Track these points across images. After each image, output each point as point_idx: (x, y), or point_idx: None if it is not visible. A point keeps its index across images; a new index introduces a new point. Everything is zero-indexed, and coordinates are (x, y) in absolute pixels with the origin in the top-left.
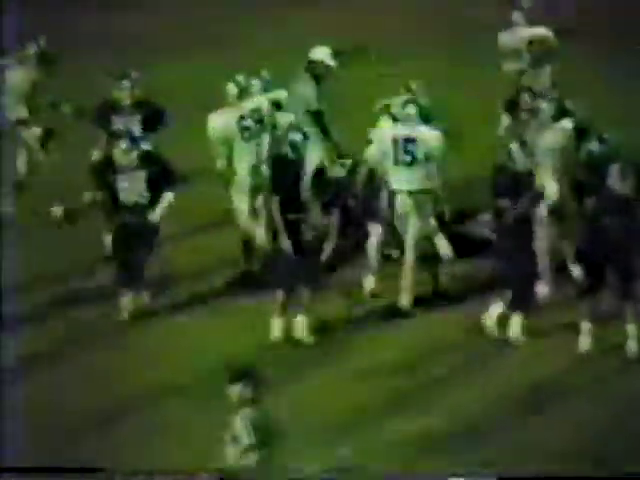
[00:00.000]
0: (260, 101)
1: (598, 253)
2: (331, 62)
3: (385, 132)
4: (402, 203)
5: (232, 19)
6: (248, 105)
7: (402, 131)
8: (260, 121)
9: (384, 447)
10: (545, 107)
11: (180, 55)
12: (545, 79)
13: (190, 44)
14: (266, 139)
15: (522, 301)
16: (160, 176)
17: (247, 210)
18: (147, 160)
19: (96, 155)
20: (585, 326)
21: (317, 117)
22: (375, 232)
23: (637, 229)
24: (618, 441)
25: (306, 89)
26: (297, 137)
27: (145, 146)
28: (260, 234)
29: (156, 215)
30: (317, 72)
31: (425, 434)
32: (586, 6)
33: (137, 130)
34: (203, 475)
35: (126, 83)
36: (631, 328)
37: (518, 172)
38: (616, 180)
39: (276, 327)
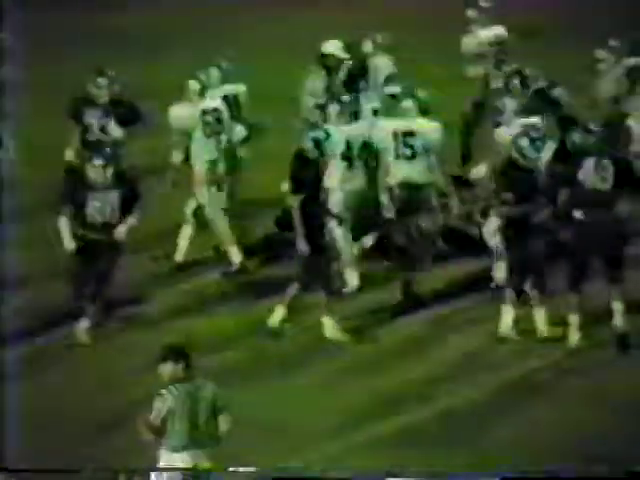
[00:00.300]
0: (219, 103)
1: (581, 246)
2: (342, 55)
3: (384, 126)
4: (403, 197)
5: (232, 19)
6: (209, 103)
7: (401, 125)
8: (219, 120)
9: (375, 445)
10: (507, 103)
11: (179, 53)
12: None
13: (189, 42)
14: (225, 139)
15: (542, 289)
16: (130, 197)
17: (208, 204)
18: (120, 179)
19: (69, 155)
20: (573, 319)
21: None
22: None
23: (617, 222)
24: (607, 436)
25: (315, 83)
26: (320, 135)
27: (117, 133)
28: (224, 228)
29: (120, 234)
30: (329, 65)
31: (419, 430)
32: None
33: (112, 126)
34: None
35: (102, 81)
36: (617, 305)
37: (525, 168)
38: (589, 174)
39: (278, 314)
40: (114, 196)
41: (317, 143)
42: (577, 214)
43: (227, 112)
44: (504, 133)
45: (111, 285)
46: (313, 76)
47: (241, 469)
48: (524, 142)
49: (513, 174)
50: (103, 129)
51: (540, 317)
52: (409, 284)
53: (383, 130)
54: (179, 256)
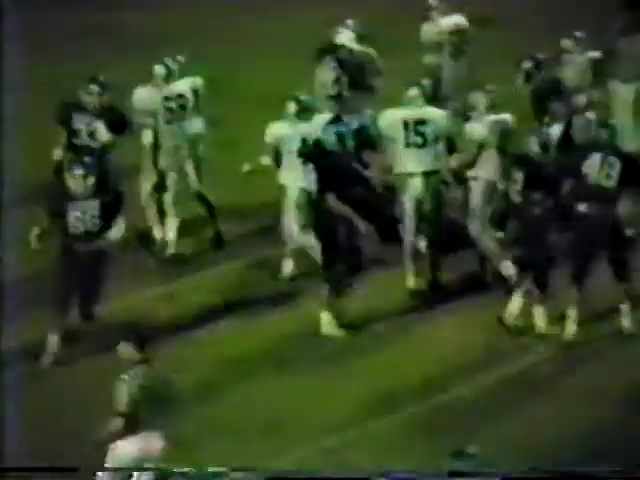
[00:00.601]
0: (184, 89)
1: (584, 240)
2: (354, 46)
3: (394, 115)
4: (415, 185)
5: (232, 18)
6: (174, 89)
7: (411, 113)
8: (184, 107)
9: (373, 442)
10: (479, 99)
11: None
12: (463, 70)
13: (189, 42)
14: (189, 126)
15: (544, 285)
16: (113, 204)
17: (146, 195)
18: (101, 188)
19: (58, 155)
20: (572, 313)
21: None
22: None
23: (619, 219)
24: (602, 434)
25: (326, 75)
26: (342, 129)
27: (106, 138)
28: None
29: (109, 240)
30: (340, 57)
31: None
32: None
33: (101, 131)
34: None
35: (94, 88)
36: (624, 307)
37: (536, 165)
38: (594, 169)
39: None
40: (94, 205)
41: (340, 137)
42: (581, 207)
43: (192, 100)
44: (475, 128)
45: (100, 295)
46: (324, 67)
47: (239, 470)
48: (547, 136)
49: (532, 170)
50: (92, 135)
51: (539, 314)
52: (435, 275)
53: (391, 119)
54: (170, 249)
